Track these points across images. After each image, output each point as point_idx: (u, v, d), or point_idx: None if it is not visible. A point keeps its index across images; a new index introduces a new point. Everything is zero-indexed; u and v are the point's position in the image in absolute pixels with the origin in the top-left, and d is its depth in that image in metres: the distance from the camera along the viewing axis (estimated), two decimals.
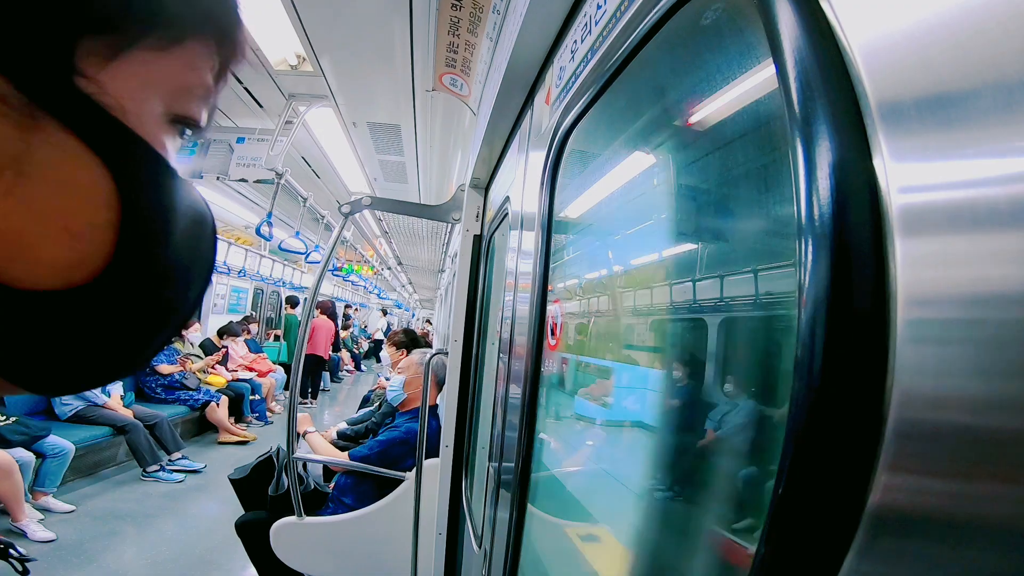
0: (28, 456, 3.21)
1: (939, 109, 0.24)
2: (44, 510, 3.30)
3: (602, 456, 0.87)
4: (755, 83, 0.44)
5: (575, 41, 0.79)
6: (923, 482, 0.25)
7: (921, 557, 0.25)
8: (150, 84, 0.26)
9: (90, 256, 0.24)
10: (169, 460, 4.43)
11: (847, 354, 0.27)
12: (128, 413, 4.34)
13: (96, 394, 4.19)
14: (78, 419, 4.08)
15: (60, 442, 3.49)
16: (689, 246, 0.68)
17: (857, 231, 0.27)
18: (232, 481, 2.46)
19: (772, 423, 0.45)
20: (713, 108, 0.53)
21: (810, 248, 0.29)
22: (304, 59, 2.68)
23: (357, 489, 2.33)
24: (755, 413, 0.51)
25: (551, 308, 0.88)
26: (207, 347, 6.23)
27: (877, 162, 0.27)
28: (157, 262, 0.27)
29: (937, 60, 0.25)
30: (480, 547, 1.22)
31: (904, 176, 0.26)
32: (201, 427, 5.53)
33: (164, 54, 0.26)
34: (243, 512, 2.46)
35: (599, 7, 0.68)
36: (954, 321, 0.24)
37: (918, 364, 0.25)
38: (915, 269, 0.25)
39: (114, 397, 4.40)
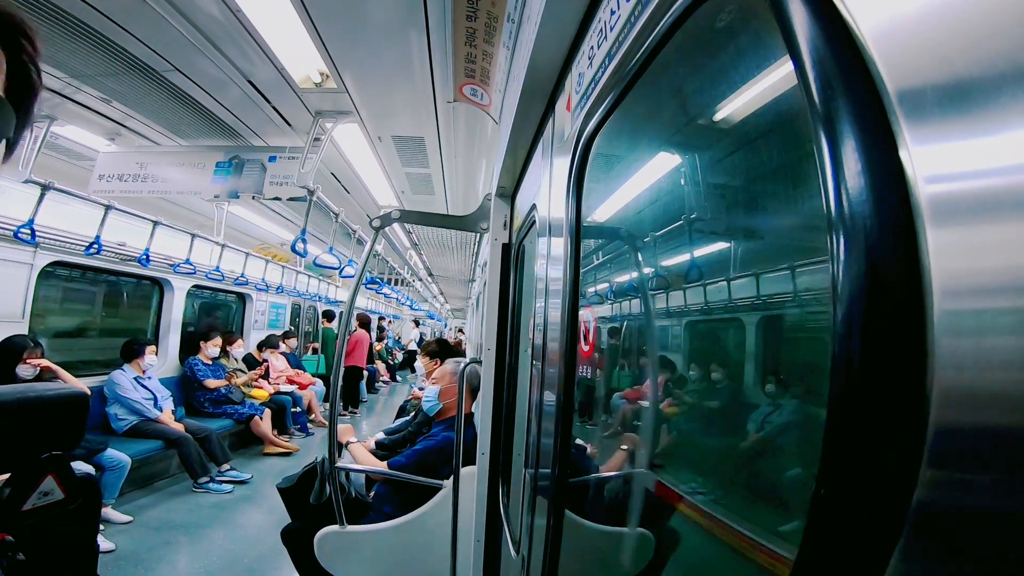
0: (88, 469, 3.38)
1: (959, 96, 0.24)
2: (104, 521, 3.45)
3: (640, 460, 0.86)
4: (774, 81, 0.43)
5: (591, 47, 0.79)
6: (970, 478, 0.24)
7: (968, 555, 0.24)
8: None
9: None
10: (218, 471, 4.60)
11: (886, 349, 0.26)
12: (179, 427, 4.52)
13: (149, 408, 4.39)
14: (133, 433, 4.27)
15: (118, 455, 3.66)
16: (719, 246, 0.68)
17: (891, 225, 0.26)
18: (280, 490, 2.54)
19: (814, 422, 0.44)
20: (734, 108, 0.53)
21: (843, 244, 0.28)
22: (327, 76, 2.75)
23: (395, 498, 2.36)
24: (796, 413, 0.50)
25: (583, 313, 0.88)
26: (249, 361, 6.44)
27: (903, 154, 0.26)
28: None
29: (951, 46, 0.24)
30: (518, 553, 1.22)
31: (930, 166, 0.25)
32: (246, 439, 5.70)
33: None
34: (288, 521, 2.52)
35: (613, 13, 0.68)
36: (992, 311, 0.23)
37: (958, 356, 0.24)
38: (949, 260, 0.24)
39: (166, 412, 4.59)
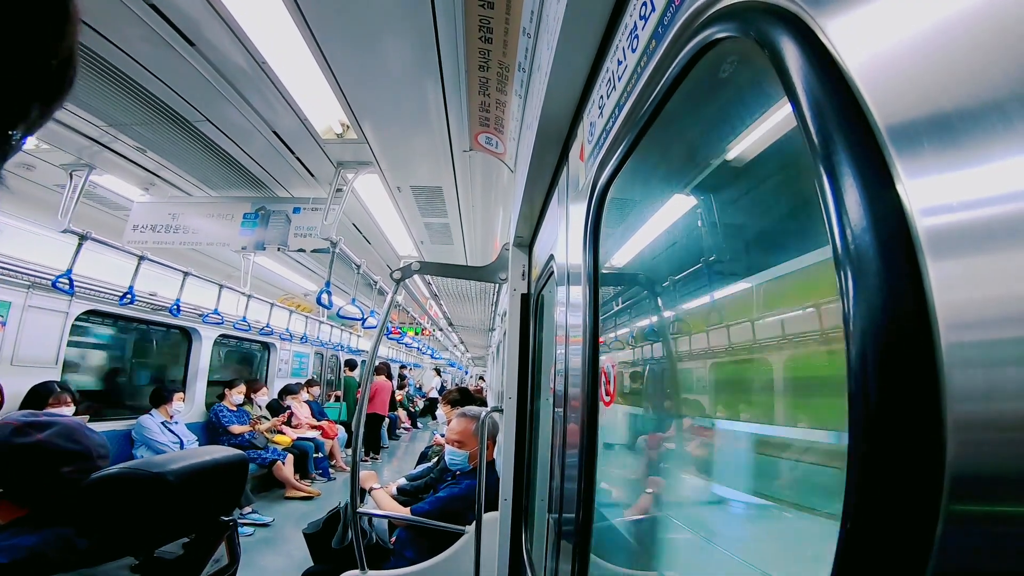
0: None
1: (944, 129, 0.25)
2: None
3: (663, 502, 0.84)
4: (775, 125, 0.45)
5: (601, 96, 0.82)
6: (992, 509, 0.24)
7: None
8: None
9: None
10: (240, 514, 4.56)
11: (900, 385, 0.26)
12: None
13: (175, 451, 4.41)
14: None
15: None
16: (731, 288, 0.68)
17: (895, 260, 0.27)
18: (306, 536, 2.53)
19: (840, 458, 0.43)
20: (740, 152, 0.55)
21: (850, 282, 0.29)
22: (348, 127, 2.84)
23: (417, 543, 2.32)
24: (821, 451, 0.49)
25: (603, 360, 0.88)
26: (273, 407, 6.48)
27: (899, 188, 0.27)
28: None
29: (934, 85, 0.26)
30: None
31: (924, 199, 0.26)
32: (268, 483, 5.69)
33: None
34: (309, 564, 2.50)
35: (620, 63, 0.71)
36: (995, 342, 0.23)
37: (968, 388, 0.24)
38: (950, 292, 0.25)
39: None
